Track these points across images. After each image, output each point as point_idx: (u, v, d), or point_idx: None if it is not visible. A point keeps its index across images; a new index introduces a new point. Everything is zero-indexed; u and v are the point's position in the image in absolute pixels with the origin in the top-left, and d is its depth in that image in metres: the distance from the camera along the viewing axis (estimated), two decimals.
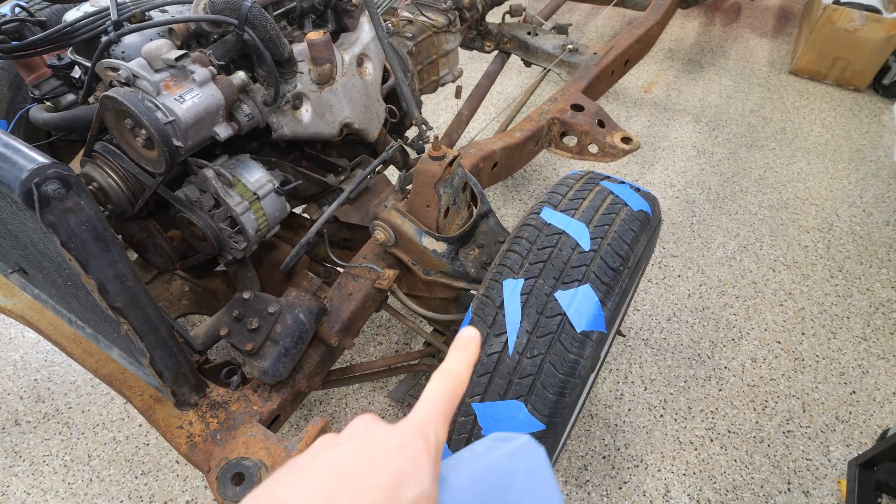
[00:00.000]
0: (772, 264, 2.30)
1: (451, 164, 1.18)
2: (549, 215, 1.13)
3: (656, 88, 3.31)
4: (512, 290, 1.04)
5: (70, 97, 1.21)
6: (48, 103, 1.21)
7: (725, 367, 1.95)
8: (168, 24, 0.99)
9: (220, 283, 1.52)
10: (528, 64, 2.36)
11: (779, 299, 2.17)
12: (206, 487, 1.67)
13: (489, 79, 2.31)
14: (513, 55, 2.36)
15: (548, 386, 0.99)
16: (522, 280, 1.05)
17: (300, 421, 1.85)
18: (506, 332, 1.02)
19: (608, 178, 1.26)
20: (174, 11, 1.05)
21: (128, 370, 1.16)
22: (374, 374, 1.52)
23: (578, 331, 0.99)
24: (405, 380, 1.87)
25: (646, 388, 1.89)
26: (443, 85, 2.03)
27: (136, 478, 1.70)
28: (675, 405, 1.85)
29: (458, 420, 1.06)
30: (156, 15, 1.04)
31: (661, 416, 1.82)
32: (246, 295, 1.05)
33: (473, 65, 3.39)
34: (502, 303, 1.04)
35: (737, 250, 2.36)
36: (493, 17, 2.36)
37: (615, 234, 1.09)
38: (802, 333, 2.05)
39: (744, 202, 2.58)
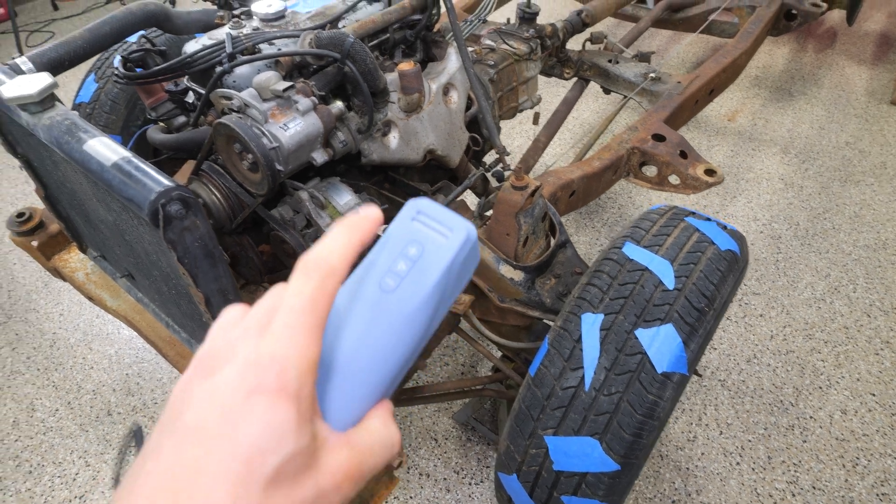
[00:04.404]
0: (867, 309, 2.14)
1: (532, 194, 1.19)
2: (632, 251, 1.11)
3: (741, 117, 3.19)
4: (591, 324, 1.03)
5: (181, 119, 1.31)
6: (162, 124, 1.33)
7: (811, 417, 1.83)
8: (276, 57, 1.07)
9: None
10: (607, 91, 2.34)
11: (874, 348, 2.01)
12: None
13: (567, 105, 2.30)
14: (591, 81, 2.35)
15: (624, 426, 0.96)
16: (602, 315, 1.04)
17: None
18: (583, 367, 1.01)
19: (694, 213, 1.23)
20: (281, 44, 1.13)
21: None
22: (442, 395, 1.54)
23: (659, 371, 0.97)
24: (470, 403, 1.88)
25: (721, 433, 1.80)
26: (521, 111, 2.04)
27: None
28: (753, 453, 1.75)
29: (529, 452, 1.06)
30: (264, 48, 1.12)
31: (738, 463, 1.72)
32: None
33: (551, 90, 3.39)
34: (580, 337, 1.04)
35: (826, 291, 2.21)
36: (574, 43, 2.36)
37: (701, 273, 1.06)
38: None
39: (836, 240, 2.43)
